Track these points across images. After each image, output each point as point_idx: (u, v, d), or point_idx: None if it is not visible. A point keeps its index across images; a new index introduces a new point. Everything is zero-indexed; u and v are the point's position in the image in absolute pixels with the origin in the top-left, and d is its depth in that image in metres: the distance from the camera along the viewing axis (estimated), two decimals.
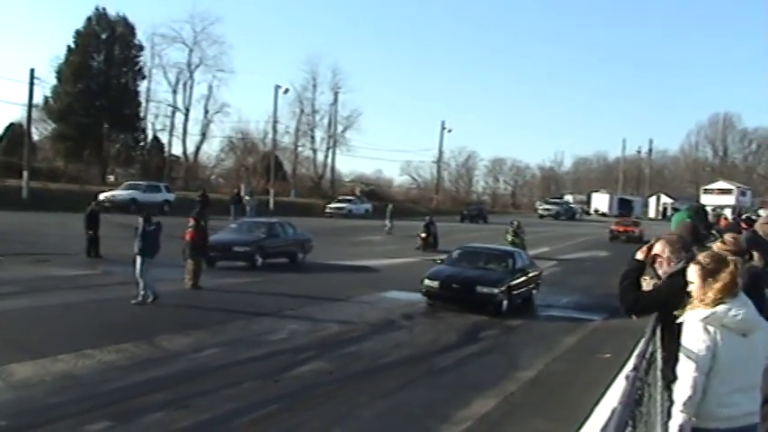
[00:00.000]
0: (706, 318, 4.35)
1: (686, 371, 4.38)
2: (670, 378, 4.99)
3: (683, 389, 4.37)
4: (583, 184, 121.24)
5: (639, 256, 5.78)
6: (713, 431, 4.44)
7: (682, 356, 4.39)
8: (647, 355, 3.97)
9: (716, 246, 6.04)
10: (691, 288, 4.57)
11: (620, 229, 49.40)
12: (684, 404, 4.34)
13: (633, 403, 2.87)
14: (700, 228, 6.88)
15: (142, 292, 16.87)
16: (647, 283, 5.80)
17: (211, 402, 10.16)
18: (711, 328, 4.35)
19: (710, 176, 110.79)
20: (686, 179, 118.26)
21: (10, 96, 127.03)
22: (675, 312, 4.64)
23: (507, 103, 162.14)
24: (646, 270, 5.86)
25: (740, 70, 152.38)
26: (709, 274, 4.49)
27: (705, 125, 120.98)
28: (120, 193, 46.03)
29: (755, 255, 6.42)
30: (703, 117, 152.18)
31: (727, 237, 6.37)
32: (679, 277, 5.36)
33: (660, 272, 5.64)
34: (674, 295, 5.32)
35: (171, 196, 47.37)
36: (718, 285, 4.42)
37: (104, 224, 25.73)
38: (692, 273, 4.56)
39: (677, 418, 4.37)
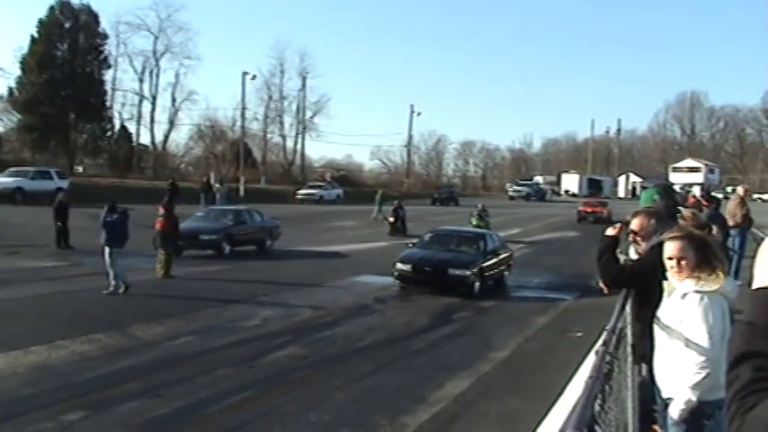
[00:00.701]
0: (718, 289, 4.36)
1: (700, 348, 4.32)
2: (644, 352, 5.09)
3: (696, 368, 4.31)
4: (553, 165, 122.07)
5: (610, 231, 5.87)
6: (719, 401, 4.45)
7: (694, 335, 4.35)
8: (617, 331, 4.01)
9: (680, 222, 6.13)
10: (674, 264, 4.53)
11: (588, 209, 48.71)
12: (698, 384, 4.29)
13: (603, 377, 2.91)
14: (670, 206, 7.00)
15: (113, 283, 16.73)
16: (623, 259, 5.90)
17: (186, 390, 10.16)
18: (720, 299, 4.37)
19: (679, 155, 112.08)
20: (655, 158, 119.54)
21: None
22: (666, 285, 4.63)
23: (476, 85, 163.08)
24: (620, 246, 5.95)
25: (707, 48, 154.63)
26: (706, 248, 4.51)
27: (673, 104, 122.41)
28: (3, 180, 40.67)
29: (714, 228, 6.54)
30: (671, 96, 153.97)
31: (686, 212, 6.48)
32: (658, 249, 5.45)
33: (640, 248, 5.73)
34: (654, 268, 5.41)
35: (64, 183, 39.36)
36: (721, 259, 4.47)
37: (74, 215, 25.46)
38: (686, 247, 4.52)
39: (685, 397, 4.34)
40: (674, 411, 4.42)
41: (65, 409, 9.07)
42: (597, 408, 2.59)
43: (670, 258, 4.52)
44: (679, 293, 4.49)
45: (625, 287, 5.67)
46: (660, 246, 5.35)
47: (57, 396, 9.59)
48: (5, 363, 10.96)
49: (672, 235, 4.61)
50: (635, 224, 5.77)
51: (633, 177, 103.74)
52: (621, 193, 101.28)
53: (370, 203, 46.70)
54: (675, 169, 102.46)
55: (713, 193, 25.70)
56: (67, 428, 8.49)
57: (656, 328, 4.69)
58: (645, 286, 5.35)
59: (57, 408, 9.09)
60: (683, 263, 4.48)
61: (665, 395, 4.65)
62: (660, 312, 4.67)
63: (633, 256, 5.81)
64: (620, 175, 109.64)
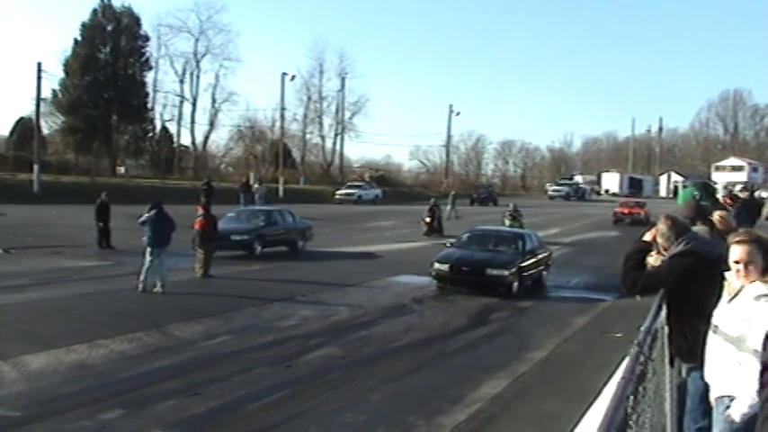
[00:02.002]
0: None
1: None
2: (672, 355, 4.99)
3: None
4: (593, 164, 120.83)
5: (647, 237, 5.76)
6: None
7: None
8: (652, 332, 3.93)
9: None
10: (741, 267, 4.42)
11: (625, 211, 46.26)
12: None
13: (636, 379, 2.85)
14: (705, 204, 6.86)
15: (160, 283, 17.04)
16: (654, 259, 5.78)
17: (223, 389, 10.22)
18: None
19: (722, 153, 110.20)
20: (697, 157, 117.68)
21: (19, 91, 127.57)
22: (727, 287, 4.51)
23: (516, 85, 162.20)
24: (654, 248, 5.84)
25: (750, 46, 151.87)
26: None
27: (715, 102, 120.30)
28: None
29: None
30: (713, 94, 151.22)
31: (716, 217, 6.35)
32: (682, 258, 5.34)
33: (661, 256, 5.64)
34: (677, 276, 5.31)
35: None
36: None
37: (115, 215, 25.80)
38: (754, 251, 4.39)
39: (745, 403, 4.22)
40: (737, 412, 4.31)
41: (103, 407, 9.17)
42: (629, 410, 2.53)
43: (737, 262, 4.41)
44: (749, 296, 4.37)
45: (643, 294, 5.58)
46: (684, 254, 5.23)
47: (96, 394, 9.70)
48: (47, 361, 11.12)
49: (738, 239, 4.50)
50: (649, 234, 5.68)
51: (675, 176, 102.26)
52: (663, 193, 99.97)
53: (409, 203, 46.70)
54: (718, 168, 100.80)
55: (735, 192, 25.26)
56: (106, 427, 8.58)
57: (712, 330, 4.57)
58: (674, 294, 5.25)
59: (95, 406, 9.20)
60: (750, 267, 4.38)
61: (719, 393, 4.54)
62: (719, 315, 4.55)
63: (651, 261, 5.66)
64: (661, 174, 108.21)
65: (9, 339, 12.29)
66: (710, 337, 4.61)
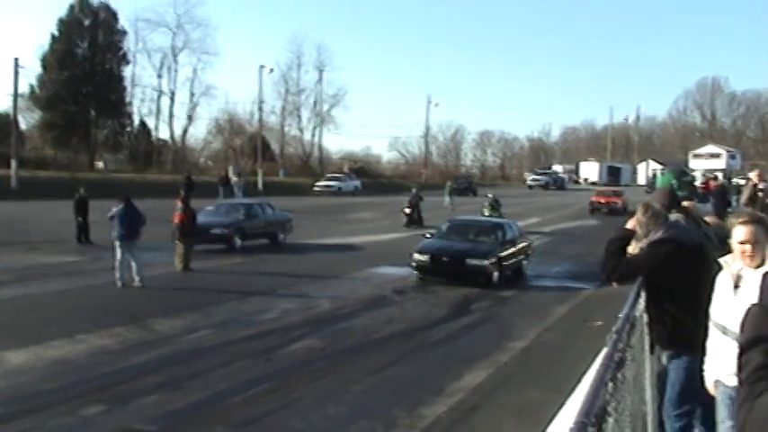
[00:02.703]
0: None
1: None
2: (652, 342, 5.02)
3: None
4: (572, 153, 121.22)
5: (630, 225, 5.77)
6: None
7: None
8: (630, 319, 3.94)
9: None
10: (747, 248, 4.31)
11: (602, 200, 45.39)
12: None
13: (615, 365, 2.85)
14: (681, 192, 6.90)
15: (137, 278, 16.90)
16: (632, 247, 5.79)
17: (205, 383, 10.18)
18: None
19: (700, 141, 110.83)
20: (675, 145, 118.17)
21: None
22: (727, 268, 4.46)
23: (494, 75, 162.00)
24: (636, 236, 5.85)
25: (727, 33, 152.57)
26: None
27: (693, 90, 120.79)
28: None
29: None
30: (691, 82, 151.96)
31: (688, 204, 6.38)
32: (660, 246, 5.36)
33: (640, 243, 5.65)
34: (656, 264, 5.33)
35: None
36: None
37: (94, 210, 25.58)
38: (758, 231, 4.30)
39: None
40: None
41: (85, 402, 9.10)
42: (608, 396, 2.52)
43: (742, 242, 4.31)
44: (757, 279, 4.28)
45: (621, 281, 5.60)
46: (662, 242, 5.23)
47: (77, 390, 9.63)
48: (26, 357, 11.03)
49: (742, 220, 4.44)
50: (631, 222, 5.69)
51: (653, 164, 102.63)
52: (641, 181, 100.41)
53: (389, 195, 46.70)
54: (696, 156, 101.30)
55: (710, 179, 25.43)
56: (88, 422, 8.53)
57: (720, 331, 4.47)
58: (652, 282, 5.26)
59: (77, 402, 9.13)
60: (756, 247, 4.29)
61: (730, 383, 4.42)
62: (724, 311, 4.43)
63: (631, 250, 5.67)
64: (639, 162, 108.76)
65: None
66: (717, 337, 4.46)
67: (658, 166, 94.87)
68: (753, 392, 1.42)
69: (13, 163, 44.29)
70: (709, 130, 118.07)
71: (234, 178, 48.78)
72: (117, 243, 17.17)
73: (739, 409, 1.45)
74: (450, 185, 48.28)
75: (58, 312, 14.28)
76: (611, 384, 2.62)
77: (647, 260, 5.39)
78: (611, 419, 2.62)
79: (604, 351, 3.05)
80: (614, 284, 6.16)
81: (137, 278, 16.95)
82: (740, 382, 1.48)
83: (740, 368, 1.49)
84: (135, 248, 17.30)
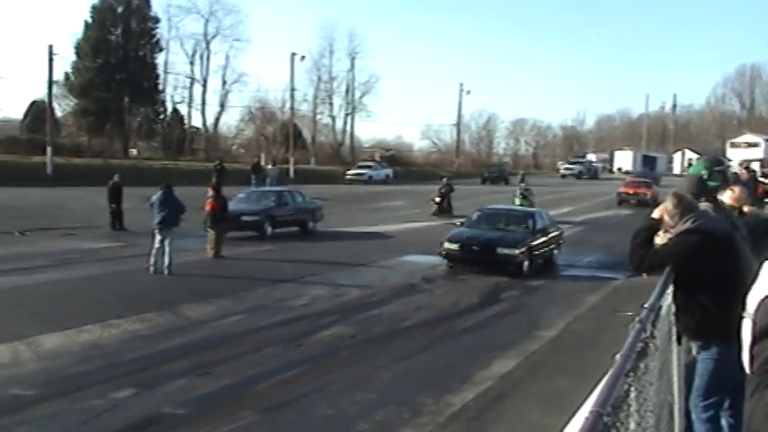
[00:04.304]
0: None
1: None
2: (680, 333, 4.97)
3: None
4: (606, 142, 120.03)
5: (656, 214, 5.72)
6: None
7: None
8: (656, 309, 3.92)
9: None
10: None
11: (630, 191, 43.38)
12: None
13: (636, 355, 2.85)
14: (713, 181, 6.80)
15: (166, 264, 17.07)
16: (660, 237, 5.74)
17: (234, 368, 10.28)
18: None
19: (738, 130, 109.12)
20: (713, 133, 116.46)
21: (32, 75, 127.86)
22: None
23: (527, 62, 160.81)
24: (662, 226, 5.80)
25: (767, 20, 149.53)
26: None
27: (732, 77, 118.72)
28: None
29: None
30: (730, 69, 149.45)
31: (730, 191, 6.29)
32: (689, 236, 5.31)
33: (667, 234, 5.60)
34: (684, 254, 5.28)
35: None
36: None
37: (128, 197, 25.93)
38: None
39: None
40: None
41: (115, 386, 9.25)
42: (627, 386, 2.53)
43: None
44: None
45: (649, 272, 5.54)
46: (691, 232, 5.17)
47: (108, 374, 9.80)
48: (60, 342, 11.23)
49: None
50: (657, 212, 5.63)
51: (689, 153, 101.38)
52: (677, 170, 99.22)
53: (420, 183, 46.65)
54: (733, 144, 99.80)
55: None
56: (118, 405, 8.66)
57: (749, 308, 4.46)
58: (680, 272, 5.22)
59: (107, 385, 9.29)
60: None
61: None
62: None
63: (658, 240, 5.61)
64: (675, 151, 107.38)
65: (24, 320, 12.45)
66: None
67: (694, 156, 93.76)
68: (764, 382, 1.42)
69: (49, 150, 44.91)
70: (747, 118, 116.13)
71: (268, 166, 49.01)
72: (156, 230, 17.37)
73: (750, 396, 1.45)
74: (522, 175, 47.96)
75: (92, 297, 14.51)
76: (632, 374, 2.63)
77: (675, 250, 5.34)
78: (632, 408, 2.63)
79: (627, 341, 3.04)
80: (644, 275, 6.11)
81: (166, 268, 17.08)
82: (752, 371, 1.49)
83: (753, 358, 1.50)
84: (173, 236, 17.48)
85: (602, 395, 2.14)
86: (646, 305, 3.92)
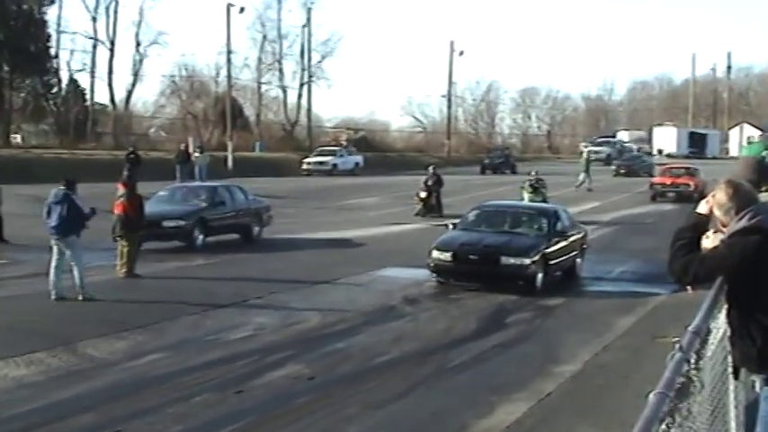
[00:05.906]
0: None
1: None
2: (737, 364, 5.00)
3: None
4: (642, 116, 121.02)
5: (703, 209, 5.71)
6: None
7: None
8: (702, 333, 3.94)
9: None
10: None
11: (667, 181, 42.29)
12: None
13: (675, 394, 2.86)
14: None
15: (78, 283, 16.87)
16: (710, 240, 5.75)
17: (151, 425, 10.21)
18: None
19: None
20: None
21: None
22: None
23: (537, 17, 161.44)
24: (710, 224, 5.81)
25: None
26: None
27: None
28: None
29: None
30: None
31: None
32: (746, 237, 5.32)
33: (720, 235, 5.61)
34: (740, 260, 5.28)
35: None
36: None
37: (9, 198, 25.70)
38: None
39: None
40: None
41: None
42: None
43: None
44: None
45: (696, 284, 5.57)
46: (747, 233, 5.20)
47: None
48: None
49: None
50: (705, 205, 5.65)
51: (749, 130, 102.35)
52: (734, 152, 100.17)
53: (399, 174, 46.71)
54: None
55: None
56: None
57: None
58: (736, 284, 5.24)
59: None
60: None
61: None
62: None
63: (706, 243, 5.63)
64: (731, 128, 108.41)
65: None
66: None
67: (757, 132, 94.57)
68: None
69: None
70: None
71: (195, 154, 48.87)
72: (53, 241, 17.19)
73: None
74: (586, 155, 50.26)
75: None
76: (668, 419, 2.63)
77: (728, 256, 5.35)
78: None
79: (664, 375, 3.05)
80: (689, 289, 6.14)
81: (80, 290, 16.88)
82: None
83: None
84: (77, 248, 17.30)
85: None
86: (690, 328, 3.94)
